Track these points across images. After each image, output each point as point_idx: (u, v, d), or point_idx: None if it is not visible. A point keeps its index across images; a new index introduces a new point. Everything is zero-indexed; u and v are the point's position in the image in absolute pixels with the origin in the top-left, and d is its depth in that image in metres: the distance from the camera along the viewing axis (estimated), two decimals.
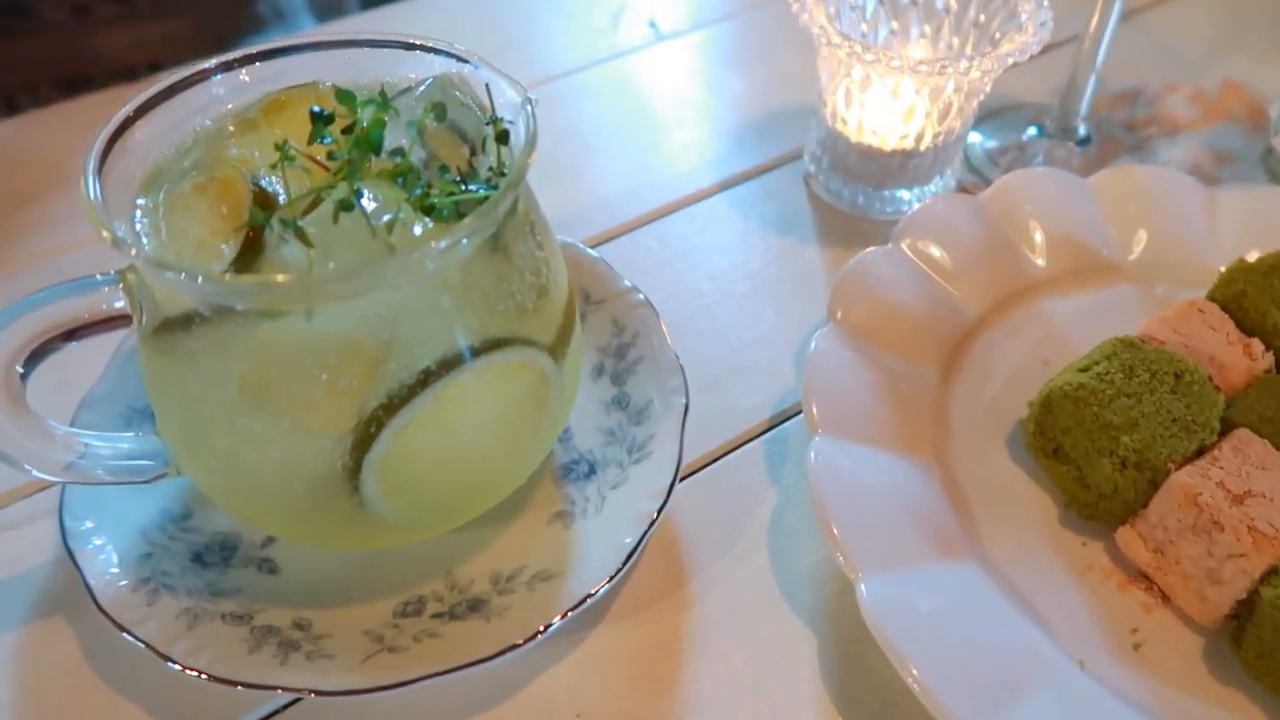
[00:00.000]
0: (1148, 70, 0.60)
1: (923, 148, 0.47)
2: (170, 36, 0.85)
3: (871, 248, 0.43)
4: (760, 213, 0.51)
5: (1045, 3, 0.45)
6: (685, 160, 0.54)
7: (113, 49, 0.77)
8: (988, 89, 0.46)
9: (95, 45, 0.76)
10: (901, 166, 0.48)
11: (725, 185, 0.52)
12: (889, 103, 0.46)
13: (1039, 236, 0.45)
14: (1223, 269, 0.45)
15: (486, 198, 0.28)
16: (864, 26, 0.50)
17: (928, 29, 0.50)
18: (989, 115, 0.56)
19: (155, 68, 0.83)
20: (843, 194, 0.50)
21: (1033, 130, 0.54)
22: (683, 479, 0.39)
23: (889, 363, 0.39)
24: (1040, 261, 0.44)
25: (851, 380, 0.38)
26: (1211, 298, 0.40)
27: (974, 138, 0.55)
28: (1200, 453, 0.34)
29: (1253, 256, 0.44)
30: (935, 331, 0.41)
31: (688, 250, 0.48)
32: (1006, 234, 0.45)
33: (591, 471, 0.37)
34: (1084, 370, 0.36)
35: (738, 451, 0.40)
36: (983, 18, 0.48)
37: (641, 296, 0.41)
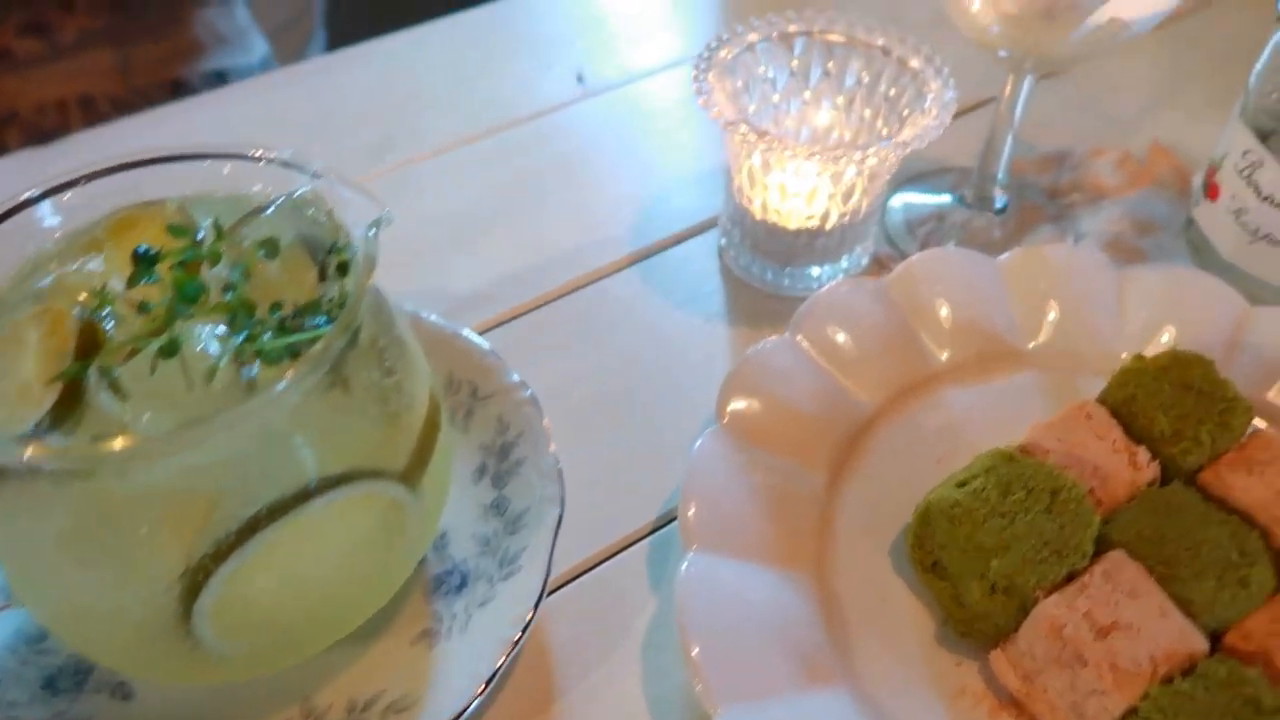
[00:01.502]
0: (1081, 127, 0.59)
1: (828, 227, 0.46)
2: (101, 70, 0.83)
3: (768, 338, 0.42)
4: (672, 288, 0.50)
5: (950, 81, 0.44)
6: (602, 229, 0.53)
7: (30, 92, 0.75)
8: (893, 169, 0.46)
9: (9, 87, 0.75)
10: (808, 245, 0.47)
11: (640, 257, 0.51)
12: (792, 184, 0.45)
13: (942, 323, 0.44)
14: (1125, 356, 0.44)
15: (320, 337, 0.27)
16: (776, 98, 0.49)
17: (840, 100, 0.49)
18: (913, 178, 0.55)
19: (87, 103, 0.82)
20: (753, 269, 0.49)
21: (952, 199, 0.53)
22: (559, 588, 0.38)
23: (776, 466, 0.39)
24: (942, 351, 0.44)
25: (734, 487, 0.37)
26: (1103, 400, 0.39)
27: (897, 201, 0.54)
28: (1071, 578, 0.33)
29: (1162, 342, 0.44)
30: (828, 429, 0.41)
31: (592, 331, 0.48)
32: (909, 321, 0.44)
33: (463, 584, 0.36)
34: (962, 485, 0.35)
35: (618, 557, 0.39)
36: (893, 92, 0.47)
37: (528, 394, 0.40)
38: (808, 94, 0.50)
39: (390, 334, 0.32)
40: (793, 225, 0.46)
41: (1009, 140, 0.49)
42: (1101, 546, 0.34)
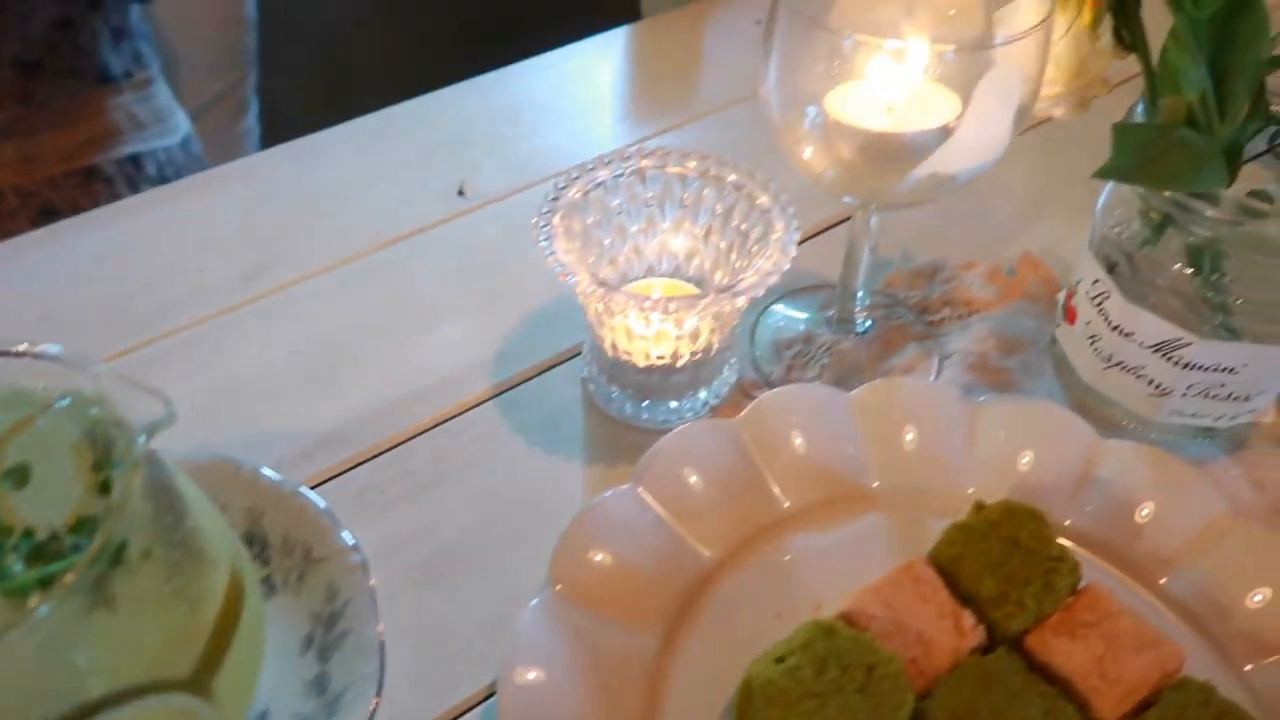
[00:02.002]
0: (960, 235, 0.59)
1: (679, 365, 0.46)
2: (6, 162, 0.83)
3: (608, 490, 0.42)
4: (533, 422, 0.49)
5: (794, 222, 0.45)
6: (469, 356, 0.52)
7: None
8: (745, 308, 0.45)
9: None
10: (662, 382, 0.47)
11: (502, 388, 0.51)
12: (637, 327, 0.44)
13: (790, 466, 0.44)
14: (971, 491, 0.44)
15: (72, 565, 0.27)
16: (634, 229, 0.49)
17: (698, 231, 0.49)
18: (788, 294, 0.55)
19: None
20: (613, 401, 0.49)
21: (820, 319, 0.53)
22: None
23: (607, 630, 0.38)
24: (789, 496, 0.43)
25: (559, 658, 0.37)
26: (933, 557, 0.39)
27: (768, 320, 0.54)
28: None
29: (1016, 474, 0.44)
30: (666, 586, 0.40)
31: (446, 474, 0.47)
32: (756, 464, 0.44)
33: None
34: (780, 660, 0.35)
35: None
36: (744, 226, 0.47)
37: (358, 558, 0.39)
38: (666, 224, 0.50)
39: (175, 536, 0.31)
40: (642, 364, 0.46)
41: (862, 268, 0.49)
42: None
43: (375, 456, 0.48)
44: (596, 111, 0.69)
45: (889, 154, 0.40)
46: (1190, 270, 0.43)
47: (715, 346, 0.46)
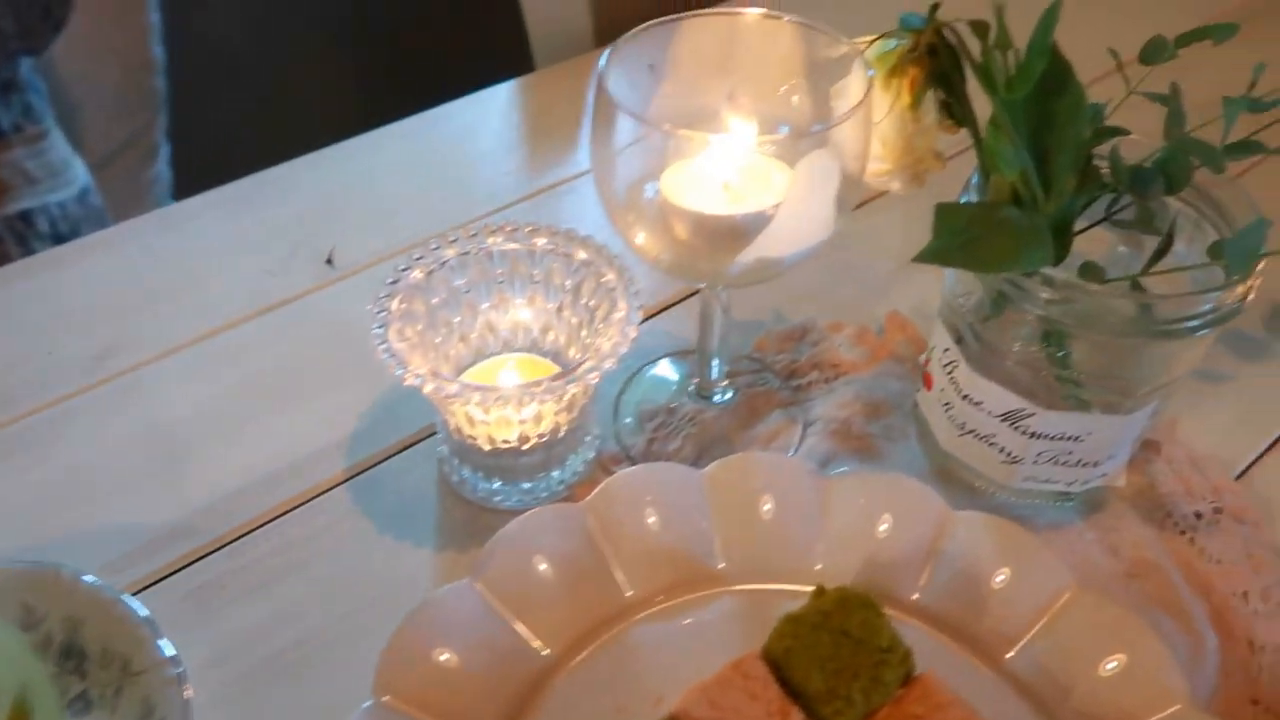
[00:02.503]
0: (835, 294, 0.59)
1: (526, 448, 0.45)
2: None
3: (444, 586, 0.41)
4: (386, 506, 0.48)
5: (635, 302, 0.44)
6: (319, 438, 0.51)
7: None
8: (591, 390, 0.45)
9: None
10: (512, 463, 0.46)
11: (356, 471, 0.50)
12: (476, 413, 0.43)
13: (637, 552, 0.43)
14: (819, 567, 0.44)
15: None
16: (485, 305, 0.48)
17: (550, 306, 0.49)
18: (655, 361, 0.55)
19: None
20: (465, 482, 0.48)
21: (683, 389, 0.53)
22: None
23: None
24: (633, 584, 0.43)
25: None
26: (765, 651, 0.38)
27: (633, 390, 0.53)
28: None
29: (857, 559, 0.44)
30: (500, 686, 0.39)
31: (291, 567, 0.46)
32: (601, 551, 0.43)
33: None
34: None
35: None
36: (592, 302, 0.46)
37: (174, 671, 0.38)
38: (520, 300, 0.49)
39: None
40: (487, 448, 0.45)
41: (716, 339, 0.49)
42: None
43: (216, 550, 0.46)
44: (483, 167, 0.68)
45: (718, 236, 0.40)
46: (1034, 345, 0.43)
47: (564, 427, 0.45)
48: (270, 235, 0.62)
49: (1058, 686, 0.40)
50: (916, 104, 0.38)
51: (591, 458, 0.49)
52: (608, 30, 0.87)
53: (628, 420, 0.52)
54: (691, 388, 0.52)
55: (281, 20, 1.25)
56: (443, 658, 0.38)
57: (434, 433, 0.51)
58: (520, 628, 0.40)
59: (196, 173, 0.73)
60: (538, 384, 0.41)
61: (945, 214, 0.38)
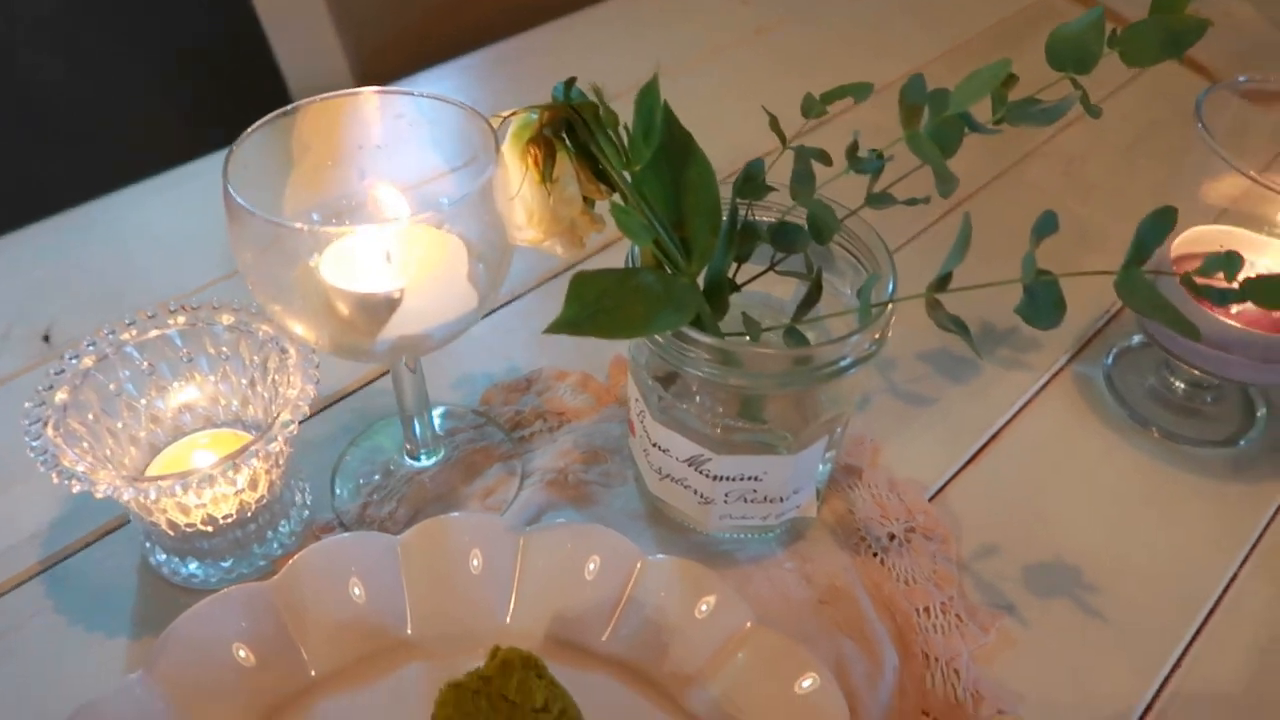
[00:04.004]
0: (564, 341, 0.60)
1: (212, 530, 0.45)
2: None
3: (120, 681, 0.40)
4: (82, 598, 0.47)
5: (314, 373, 0.44)
6: (14, 529, 0.49)
7: None
8: (282, 461, 0.45)
9: None
10: (206, 545, 0.46)
11: (51, 562, 0.48)
12: (191, 500, 0.43)
13: (324, 627, 0.43)
14: (509, 621, 0.44)
15: None
16: (143, 401, 0.47)
17: (243, 381, 0.48)
18: (377, 422, 0.55)
19: None
20: (164, 564, 0.47)
21: (397, 452, 0.53)
22: None
23: None
24: (318, 662, 0.43)
25: None
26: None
27: (351, 456, 0.53)
28: None
29: (547, 613, 0.45)
30: None
31: None
32: (288, 630, 0.43)
33: None
34: None
35: None
36: (276, 378, 0.46)
37: None
38: (213, 377, 0.48)
39: None
40: (171, 533, 0.44)
41: (412, 400, 0.49)
42: None
43: None
44: (213, 235, 0.67)
45: (359, 314, 0.40)
46: (707, 397, 0.45)
47: (253, 506, 0.45)
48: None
49: None
50: (546, 177, 0.40)
51: (300, 530, 0.49)
52: (367, 63, 0.87)
53: (343, 488, 0.52)
54: (398, 440, 0.53)
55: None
56: None
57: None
58: (192, 718, 0.40)
59: None
60: (196, 473, 0.40)
61: (580, 284, 0.39)
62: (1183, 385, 0.59)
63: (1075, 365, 0.62)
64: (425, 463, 0.52)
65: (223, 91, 0.98)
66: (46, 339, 0.59)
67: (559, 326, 0.38)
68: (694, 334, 0.41)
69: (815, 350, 0.42)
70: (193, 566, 0.47)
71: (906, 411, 0.58)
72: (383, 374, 0.58)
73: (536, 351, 0.60)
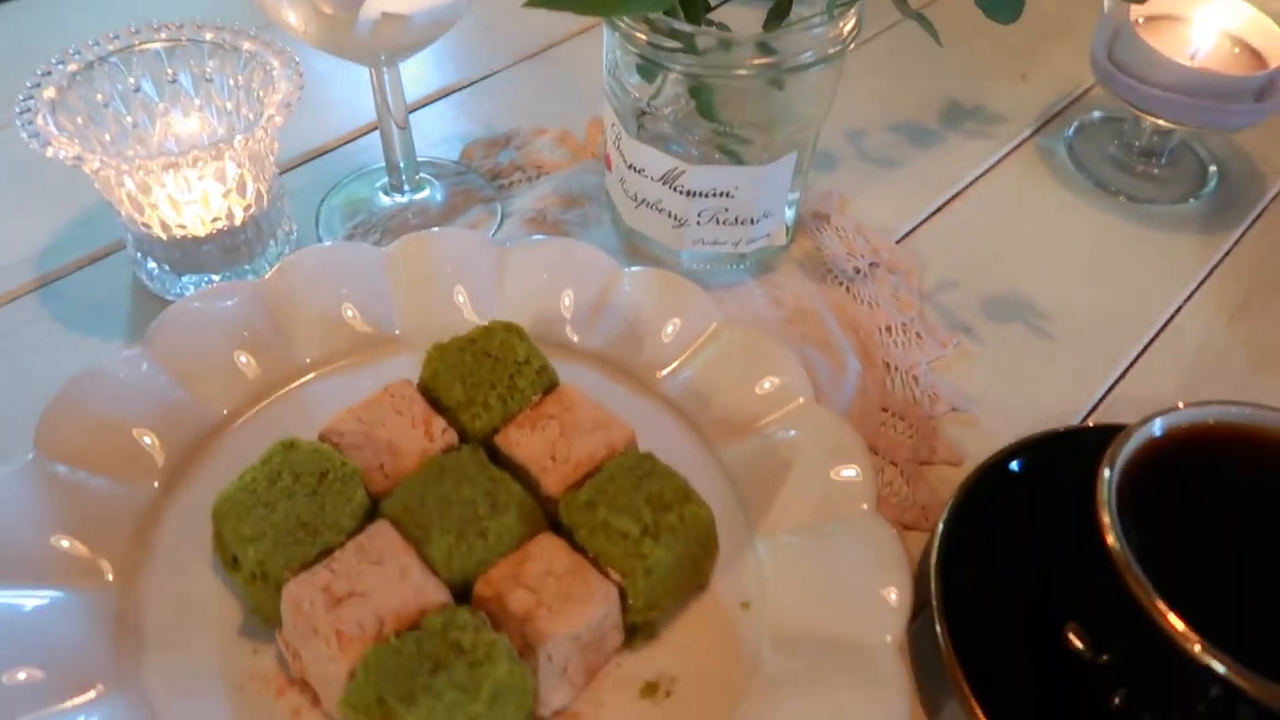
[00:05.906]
0: (543, 104, 0.62)
1: (205, 235, 0.46)
2: None
3: (122, 353, 0.42)
4: (77, 310, 0.48)
5: (296, 59, 0.45)
6: (16, 251, 0.51)
7: None
8: (273, 150, 0.46)
9: None
10: (197, 254, 0.47)
11: (46, 280, 0.50)
12: (180, 195, 0.44)
13: (313, 320, 0.45)
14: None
15: None
16: (129, 118, 0.48)
17: (198, 100, 0.49)
18: (354, 173, 0.56)
19: None
20: (156, 276, 0.49)
21: (381, 192, 0.54)
22: None
23: (93, 485, 0.38)
24: (310, 348, 0.45)
25: (31, 513, 0.37)
26: (420, 381, 0.41)
27: (334, 199, 0.54)
28: (328, 553, 0.35)
29: (528, 312, 0.47)
30: (165, 440, 0.41)
31: None
32: (276, 321, 0.45)
33: None
34: (240, 479, 0.36)
35: None
36: (240, 78, 0.47)
37: None
38: (198, 100, 0.49)
39: None
40: (164, 236, 0.46)
41: (394, 132, 0.51)
42: (377, 519, 0.36)
43: None
44: None
45: None
46: (682, 103, 0.47)
47: (243, 215, 0.47)
48: None
49: (699, 399, 0.44)
50: None
51: (288, 253, 0.51)
52: None
53: (330, 226, 0.53)
54: (381, 183, 0.54)
55: None
56: (105, 415, 0.40)
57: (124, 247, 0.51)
58: (189, 388, 0.42)
59: None
60: (186, 154, 0.42)
61: None
62: (1140, 146, 0.61)
63: (1038, 138, 0.64)
64: (407, 198, 0.54)
65: None
66: None
67: (535, 2, 0.40)
68: (675, 23, 0.42)
69: (782, 36, 0.43)
70: (185, 279, 0.48)
71: (874, 171, 0.60)
72: (361, 135, 0.59)
73: (515, 121, 0.61)
